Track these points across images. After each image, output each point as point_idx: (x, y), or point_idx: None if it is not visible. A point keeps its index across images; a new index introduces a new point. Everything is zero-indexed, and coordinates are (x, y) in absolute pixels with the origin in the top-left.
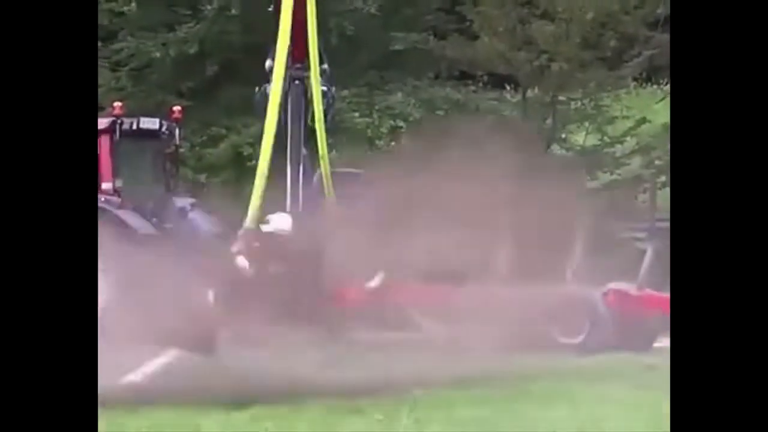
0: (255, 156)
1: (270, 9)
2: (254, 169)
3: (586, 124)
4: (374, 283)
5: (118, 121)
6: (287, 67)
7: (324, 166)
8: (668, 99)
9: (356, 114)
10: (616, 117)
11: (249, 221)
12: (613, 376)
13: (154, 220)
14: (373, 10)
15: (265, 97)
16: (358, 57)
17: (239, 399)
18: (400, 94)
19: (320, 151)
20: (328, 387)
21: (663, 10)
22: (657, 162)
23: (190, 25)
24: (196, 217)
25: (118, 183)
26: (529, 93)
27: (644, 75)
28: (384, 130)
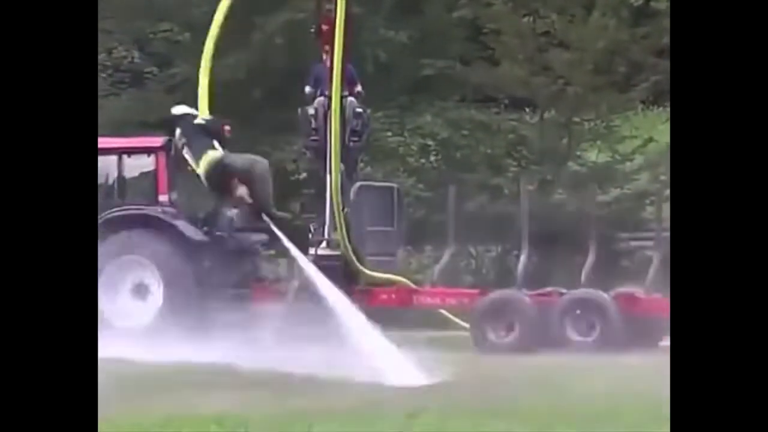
0: (297, 171)
1: (312, 31)
2: (297, 182)
3: (598, 142)
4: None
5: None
6: (324, 91)
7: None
8: None
9: (389, 133)
10: (626, 136)
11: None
12: None
13: (205, 228)
14: (404, 40)
15: (305, 118)
16: (390, 82)
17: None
18: (428, 116)
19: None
20: None
21: (667, 39)
22: (662, 177)
23: (239, 53)
24: None
25: (173, 196)
26: (547, 114)
27: (651, 98)
28: (414, 148)
